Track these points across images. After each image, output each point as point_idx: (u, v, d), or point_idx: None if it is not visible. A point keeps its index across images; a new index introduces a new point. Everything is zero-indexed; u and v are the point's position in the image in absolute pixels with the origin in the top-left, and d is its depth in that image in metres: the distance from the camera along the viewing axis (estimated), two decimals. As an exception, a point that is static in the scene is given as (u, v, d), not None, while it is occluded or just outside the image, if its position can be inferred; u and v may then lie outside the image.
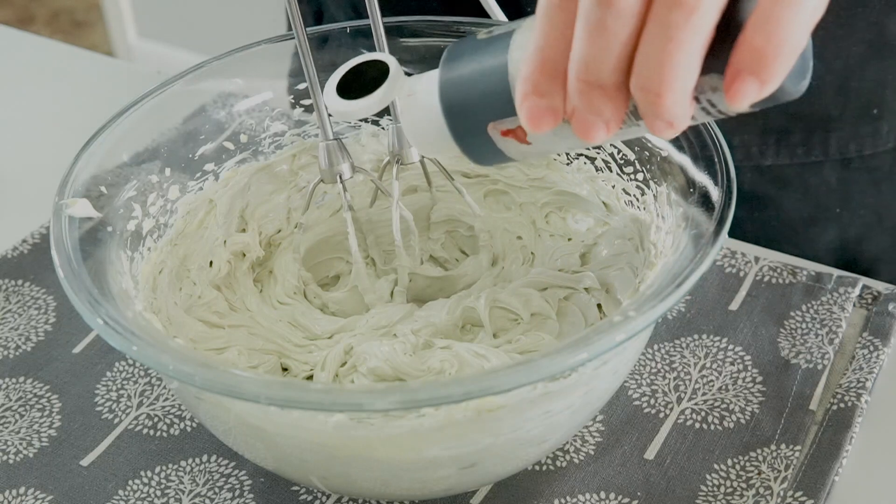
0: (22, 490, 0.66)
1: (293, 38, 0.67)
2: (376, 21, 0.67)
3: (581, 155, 0.71)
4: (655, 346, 0.72)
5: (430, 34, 0.71)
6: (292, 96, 0.73)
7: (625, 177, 0.68)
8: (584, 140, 0.48)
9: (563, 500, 0.64)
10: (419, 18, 0.72)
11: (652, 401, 0.69)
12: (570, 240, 0.72)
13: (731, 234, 0.79)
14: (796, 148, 0.82)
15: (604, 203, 0.71)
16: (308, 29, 0.72)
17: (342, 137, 0.74)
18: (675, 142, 0.64)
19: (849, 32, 0.78)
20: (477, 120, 0.52)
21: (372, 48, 0.69)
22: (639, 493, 0.64)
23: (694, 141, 0.63)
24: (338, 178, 0.68)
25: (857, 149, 0.82)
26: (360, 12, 0.70)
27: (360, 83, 0.58)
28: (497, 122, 0.52)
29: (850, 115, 0.81)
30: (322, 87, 0.60)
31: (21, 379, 0.72)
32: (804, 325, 0.72)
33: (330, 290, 0.73)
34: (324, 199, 0.75)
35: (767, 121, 0.81)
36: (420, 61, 0.72)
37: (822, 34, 0.77)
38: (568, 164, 0.72)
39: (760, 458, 0.65)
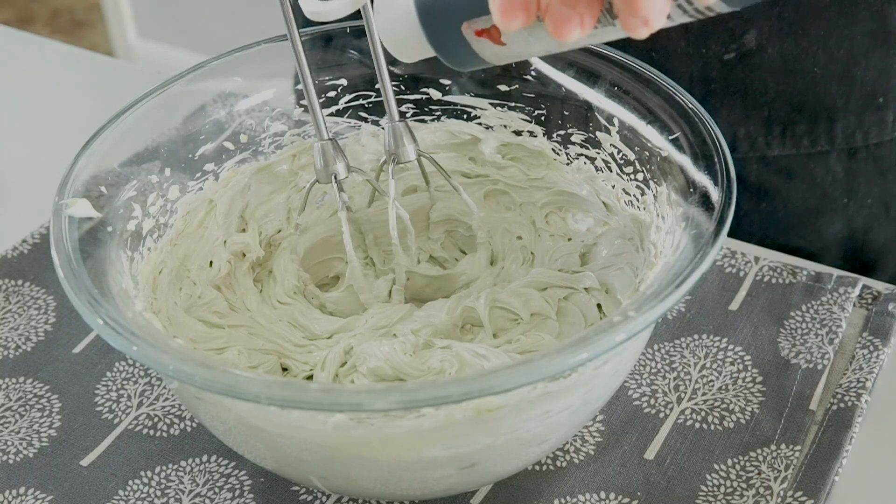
0: (22, 490, 0.66)
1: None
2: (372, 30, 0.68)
3: (581, 155, 0.71)
4: (655, 346, 0.72)
5: None
6: (294, 95, 0.73)
7: (625, 177, 0.68)
8: (557, 39, 0.47)
9: (563, 500, 0.64)
10: None
11: (652, 401, 0.69)
12: (570, 240, 0.72)
13: (738, 226, 0.79)
14: (802, 138, 0.82)
15: (604, 203, 0.71)
16: (311, 29, 0.72)
17: (341, 138, 0.74)
18: (675, 142, 0.64)
19: (851, 22, 0.78)
20: (450, 19, 0.52)
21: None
22: (639, 493, 0.64)
23: (694, 141, 0.63)
24: (333, 178, 0.68)
25: (863, 138, 0.82)
26: None
27: None
28: (471, 22, 0.51)
29: (854, 105, 0.81)
30: (315, 88, 0.60)
31: (21, 379, 0.72)
32: (804, 325, 0.72)
33: (328, 291, 0.73)
34: (323, 199, 0.75)
35: (772, 111, 0.81)
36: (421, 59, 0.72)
37: (825, 24, 0.78)
38: (568, 164, 0.72)
39: (760, 458, 0.65)
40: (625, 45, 0.77)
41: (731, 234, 0.67)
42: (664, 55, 0.78)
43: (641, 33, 0.47)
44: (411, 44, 0.54)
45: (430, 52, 0.54)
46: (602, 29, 0.49)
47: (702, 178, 0.61)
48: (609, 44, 0.69)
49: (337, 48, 0.73)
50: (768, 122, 0.81)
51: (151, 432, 0.68)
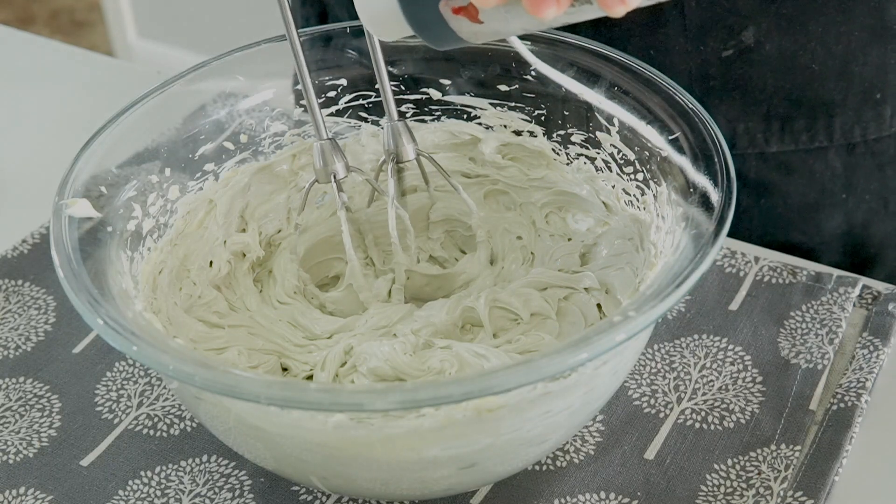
0: (22, 490, 0.66)
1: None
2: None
3: (581, 155, 0.71)
4: (655, 346, 0.72)
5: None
6: (294, 95, 0.73)
7: (625, 177, 0.68)
8: (535, 16, 0.47)
9: (563, 500, 0.64)
10: None
11: (652, 401, 0.69)
12: (570, 240, 0.72)
13: (738, 223, 0.79)
14: (801, 134, 0.82)
15: (604, 203, 0.71)
16: (311, 28, 0.72)
17: (341, 138, 0.74)
18: (675, 142, 0.64)
19: (849, 17, 0.78)
20: None
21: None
22: (639, 493, 0.64)
23: (693, 141, 0.63)
24: (332, 177, 0.68)
25: (862, 133, 0.82)
26: None
27: None
28: None
29: (853, 100, 0.81)
30: (315, 88, 0.60)
31: (21, 379, 0.72)
32: (804, 325, 0.72)
33: (328, 291, 0.73)
34: (323, 199, 0.75)
35: (771, 107, 0.81)
36: (420, 60, 0.73)
37: (823, 19, 0.78)
38: (568, 164, 0.72)
39: (760, 458, 0.65)
40: (624, 42, 0.78)
41: (730, 232, 0.67)
42: (663, 52, 0.78)
43: (618, 11, 0.46)
44: (389, 21, 0.53)
45: (408, 31, 0.53)
46: (579, 7, 0.48)
47: (701, 179, 0.61)
48: (611, 41, 0.69)
49: (337, 48, 0.73)
50: (767, 118, 0.81)
51: (151, 432, 0.68)
